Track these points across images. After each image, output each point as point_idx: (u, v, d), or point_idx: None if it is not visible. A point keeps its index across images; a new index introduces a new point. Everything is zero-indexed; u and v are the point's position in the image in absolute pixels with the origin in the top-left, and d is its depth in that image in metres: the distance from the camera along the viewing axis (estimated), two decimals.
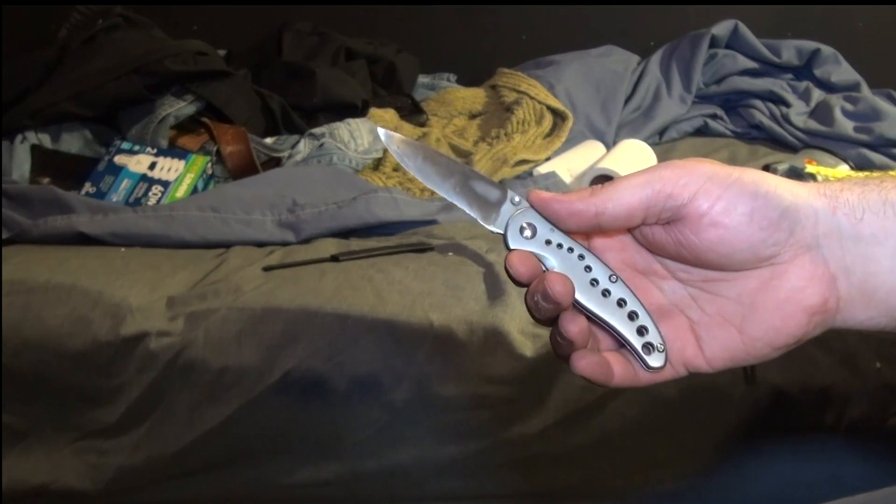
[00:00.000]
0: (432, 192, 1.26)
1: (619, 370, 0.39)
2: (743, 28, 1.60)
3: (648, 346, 0.38)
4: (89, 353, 0.87)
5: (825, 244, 0.37)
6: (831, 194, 0.37)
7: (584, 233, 0.40)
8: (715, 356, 0.39)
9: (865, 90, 1.56)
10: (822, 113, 1.48)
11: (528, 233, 0.39)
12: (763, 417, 0.82)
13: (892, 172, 0.40)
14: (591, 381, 0.38)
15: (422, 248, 1.00)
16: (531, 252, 0.38)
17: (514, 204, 0.39)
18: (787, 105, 1.51)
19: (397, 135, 0.41)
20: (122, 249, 1.03)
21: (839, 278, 0.37)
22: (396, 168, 1.31)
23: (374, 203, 1.08)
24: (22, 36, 1.62)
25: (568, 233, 0.39)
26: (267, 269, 0.95)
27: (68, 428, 0.90)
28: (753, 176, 0.37)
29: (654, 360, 0.38)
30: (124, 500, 0.92)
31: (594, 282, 0.38)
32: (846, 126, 1.42)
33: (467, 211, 0.40)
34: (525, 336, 0.83)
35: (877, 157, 1.36)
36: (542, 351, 0.82)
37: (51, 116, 1.26)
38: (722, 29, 1.60)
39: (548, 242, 0.39)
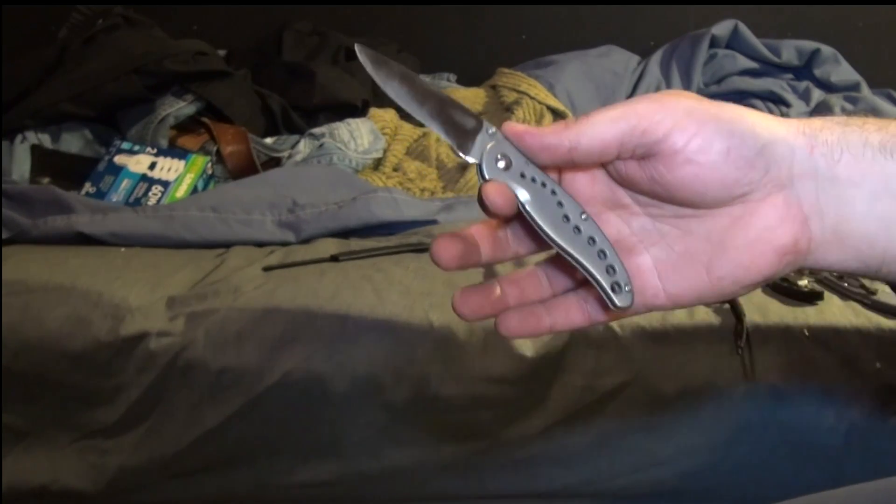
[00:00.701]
0: (432, 192, 1.26)
1: (566, 315, 0.40)
2: (743, 28, 1.60)
3: (616, 286, 0.38)
4: (89, 353, 0.87)
5: (799, 184, 0.37)
6: (810, 133, 0.37)
7: (558, 167, 0.40)
8: (680, 294, 0.39)
9: (865, 90, 1.56)
10: (821, 113, 1.48)
11: (502, 164, 0.38)
12: (763, 417, 0.82)
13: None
14: (522, 337, 0.40)
15: (422, 248, 1.00)
16: (506, 183, 0.38)
17: (489, 134, 0.39)
18: (787, 105, 1.51)
19: (373, 51, 0.40)
20: (122, 249, 1.03)
21: (812, 219, 0.37)
22: (396, 168, 1.31)
23: (374, 203, 1.08)
24: (22, 36, 1.62)
25: (542, 167, 0.39)
26: (267, 269, 0.95)
27: (68, 428, 0.90)
28: (731, 112, 0.36)
29: (622, 300, 0.38)
30: (124, 500, 0.92)
31: (566, 218, 0.38)
32: None
33: (443, 137, 0.39)
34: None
35: None
36: (542, 351, 0.82)
37: (51, 116, 1.26)
38: (722, 29, 1.60)
39: (522, 176, 0.38)
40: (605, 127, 0.37)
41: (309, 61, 1.52)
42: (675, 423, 0.83)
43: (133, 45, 1.31)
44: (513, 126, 0.38)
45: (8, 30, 1.64)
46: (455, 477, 0.88)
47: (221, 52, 1.50)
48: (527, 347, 0.82)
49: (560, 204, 0.38)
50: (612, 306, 0.38)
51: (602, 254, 0.38)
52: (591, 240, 0.38)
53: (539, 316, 0.40)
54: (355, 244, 1.03)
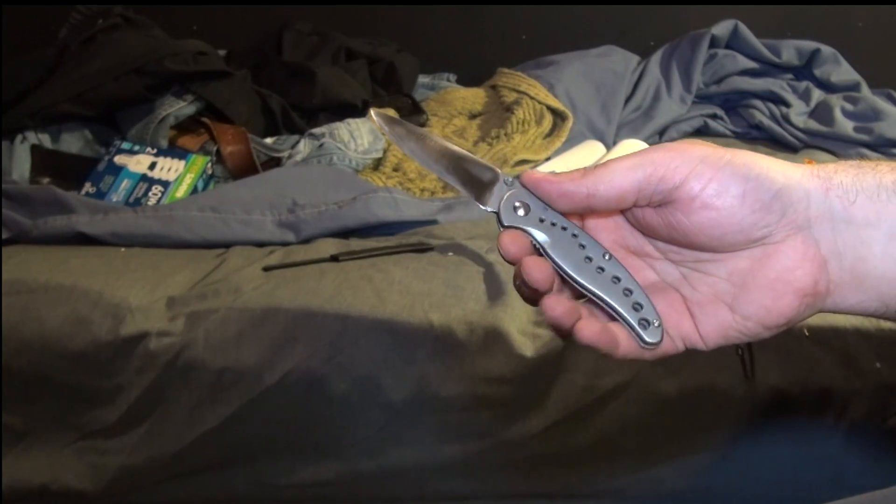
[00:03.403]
0: (432, 192, 1.26)
1: (625, 340, 0.39)
2: (743, 28, 1.60)
3: (644, 322, 0.38)
4: (89, 353, 0.87)
5: (816, 226, 0.37)
6: (825, 176, 0.37)
7: (577, 213, 0.40)
8: (709, 334, 0.39)
9: (865, 90, 1.56)
10: (822, 113, 1.48)
11: (521, 211, 0.39)
12: (763, 417, 0.82)
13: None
14: (597, 349, 0.38)
15: (422, 248, 1.00)
16: (524, 230, 0.39)
17: (507, 184, 0.40)
18: (787, 105, 1.51)
19: (386, 115, 0.42)
20: (122, 249, 1.03)
21: (830, 261, 0.37)
22: (396, 168, 1.31)
23: (373, 203, 1.08)
24: (22, 36, 1.61)
25: (563, 214, 0.39)
26: (267, 269, 0.95)
27: (68, 428, 0.90)
28: (745, 158, 0.37)
29: (651, 336, 0.38)
30: (124, 500, 0.92)
31: (588, 259, 0.38)
32: (846, 126, 1.42)
33: (461, 190, 0.40)
34: (525, 336, 0.83)
35: (877, 157, 1.36)
36: (542, 351, 0.82)
37: (51, 116, 1.26)
38: (722, 29, 1.60)
39: (541, 220, 0.39)
40: (622, 174, 0.37)
41: (309, 61, 1.52)
42: (675, 423, 0.83)
43: (133, 45, 1.31)
44: (530, 174, 0.39)
45: (8, 30, 1.64)
46: (455, 477, 0.88)
47: (221, 52, 1.50)
48: (527, 347, 0.82)
49: (582, 246, 0.39)
50: (640, 343, 0.38)
51: (627, 291, 0.38)
52: (616, 279, 0.38)
53: (614, 334, 0.39)
54: (355, 244, 1.03)
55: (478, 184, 0.40)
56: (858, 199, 0.36)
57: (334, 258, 0.96)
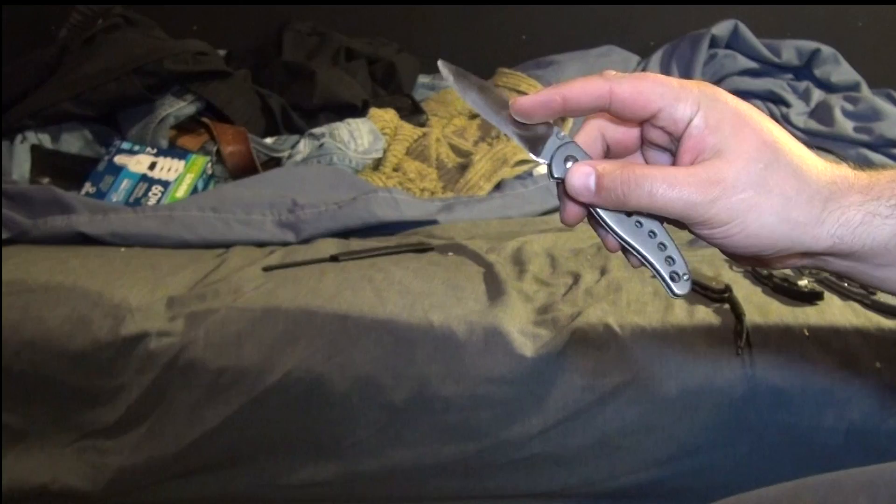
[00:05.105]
0: (432, 192, 1.26)
1: None
2: (743, 28, 1.60)
3: (675, 275, 0.41)
4: (89, 353, 0.87)
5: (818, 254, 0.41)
6: (846, 236, 0.38)
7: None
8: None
9: (865, 90, 1.56)
10: (822, 113, 1.48)
11: (569, 164, 0.42)
12: (763, 417, 0.82)
13: None
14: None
15: (422, 248, 1.00)
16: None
17: (559, 138, 0.43)
18: (788, 105, 1.51)
19: (454, 66, 0.44)
20: (122, 249, 1.03)
21: (818, 262, 0.41)
22: (396, 168, 1.31)
23: (374, 203, 1.08)
24: (22, 36, 1.62)
25: None
26: (267, 269, 0.95)
27: (68, 428, 0.90)
28: (773, 223, 0.38)
29: (680, 288, 0.42)
30: (124, 500, 0.92)
31: (628, 214, 0.42)
32: (846, 126, 1.42)
33: (516, 141, 0.43)
34: (525, 336, 0.83)
35: (877, 157, 1.36)
36: (542, 351, 0.82)
37: (51, 116, 1.26)
38: (722, 29, 1.60)
39: None
40: (673, 198, 0.38)
41: (309, 61, 1.52)
42: (675, 423, 0.83)
43: (133, 45, 1.31)
44: (598, 178, 0.40)
45: (8, 30, 1.64)
46: (455, 477, 0.88)
47: (221, 52, 1.50)
48: (527, 347, 0.82)
49: None
50: (670, 294, 0.42)
51: (662, 245, 0.42)
52: (652, 233, 0.42)
53: None
54: (355, 244, 1.03)
55: (532, 136, 0.43)
56: (866, 243, 0.38)
57: (334, 258, 0.96)
